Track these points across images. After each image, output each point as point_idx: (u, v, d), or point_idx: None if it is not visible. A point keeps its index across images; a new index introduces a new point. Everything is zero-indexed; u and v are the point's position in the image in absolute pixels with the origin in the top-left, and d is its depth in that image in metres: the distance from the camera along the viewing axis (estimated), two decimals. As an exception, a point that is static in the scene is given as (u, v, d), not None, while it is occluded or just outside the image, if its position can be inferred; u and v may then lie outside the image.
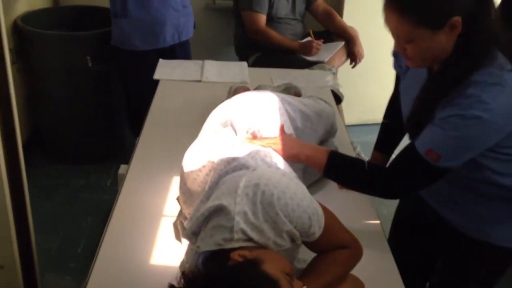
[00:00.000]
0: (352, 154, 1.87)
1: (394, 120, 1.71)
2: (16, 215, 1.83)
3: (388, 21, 1.31)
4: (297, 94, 1.98)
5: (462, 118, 1.23)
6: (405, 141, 1.73)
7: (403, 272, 1.39)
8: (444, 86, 1.27)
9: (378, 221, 1.54)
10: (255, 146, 1.37)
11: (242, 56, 3.19)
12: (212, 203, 1.10)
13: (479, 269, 1.53)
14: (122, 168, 1.94)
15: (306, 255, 1.21)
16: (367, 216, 1.56)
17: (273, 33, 3.01)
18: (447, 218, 1.51)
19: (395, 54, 1.55)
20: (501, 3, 1.84)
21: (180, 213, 1.44)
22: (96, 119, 3.15)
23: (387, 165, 1.45)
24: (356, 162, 1.46)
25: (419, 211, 1.63)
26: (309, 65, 2.94)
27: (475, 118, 1.22)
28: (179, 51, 2.92)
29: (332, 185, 1.67)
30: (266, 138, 1.44)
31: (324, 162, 1.41)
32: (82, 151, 3.21)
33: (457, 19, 1.21)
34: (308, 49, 2.98)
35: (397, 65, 1.59)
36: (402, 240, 1.71)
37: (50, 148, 3.26)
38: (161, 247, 1.41)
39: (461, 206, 1.47)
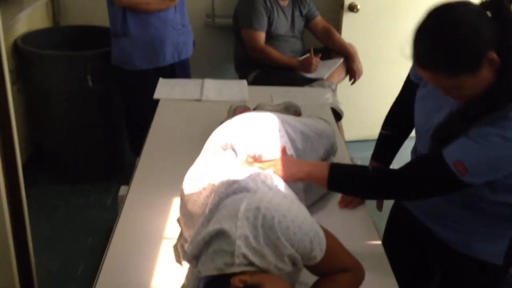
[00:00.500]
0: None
1: (395, 129, 1.70)
2: (16, 235, 1.82)
3: (425, 78, 1.31)
4: (297, 113, 1.98)
5: (502, 138, 1.22)
6: (402, 150, 1.75)
7: (400, 281, 1.38)
8: (486, 107, 1.26)
9: (379, 242, 1.53)
10: (255, 168, 1.37)
11: (241, 73, 3.21)
12: (213, 227, 1.09)
13: (471, 284, 1.53)
14: (122, 189, 1.93)
15: (307, 278, 1.20)
16: (369, 237, 1.55)
17: (272, 51, 3.03)
18: (436, 231, 1.52)
19: None
20: None
21: (181, 235, 1.43)
22: (96, 138, 3.15)
23: (400, 167, 1.41)
24: (359, 168, 1.45)
25: (409, 225, 1.63)
26: (309, 82, 2.95)
27: None
28: (178, 70, 2.93)
29: (332, 205, 1.66)
30: (266, 161, 1.44)
31: (326, 175, 1.40)
32: (82, 170, 3.21)
33: (491, 53, 1.21)
34: (307, 66, 3.00)
35: (415, 72, 1.54)
36: (397, 246, 1.70)
37: (50, 168, 3.26)
38: (161, 271, 1.40)
39: (450, 220, 1.48)
